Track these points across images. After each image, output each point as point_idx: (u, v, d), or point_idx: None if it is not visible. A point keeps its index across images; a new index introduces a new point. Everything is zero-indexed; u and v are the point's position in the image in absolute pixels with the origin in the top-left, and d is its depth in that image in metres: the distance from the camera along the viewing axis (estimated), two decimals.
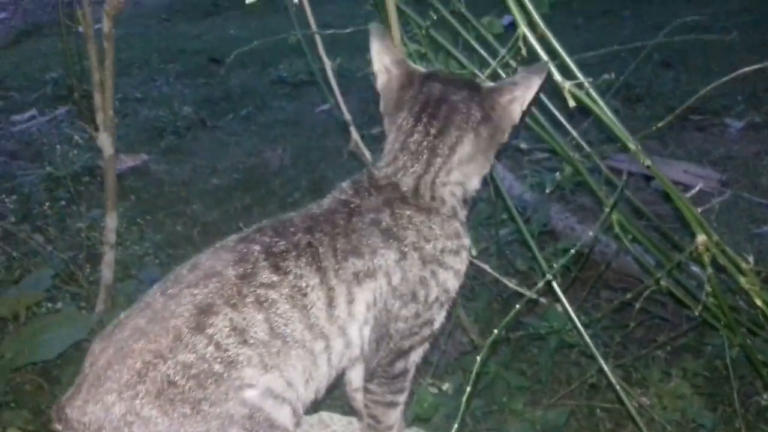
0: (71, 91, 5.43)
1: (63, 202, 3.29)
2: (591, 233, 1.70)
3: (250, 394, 1.34)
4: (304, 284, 1.39)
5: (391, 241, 1.45)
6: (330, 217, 1.47)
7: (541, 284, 1.71)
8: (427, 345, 1.56)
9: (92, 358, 1.34)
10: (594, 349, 1.74)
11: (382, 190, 1.50)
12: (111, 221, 2.79)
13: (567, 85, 1.50)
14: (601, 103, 1.58)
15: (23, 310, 2.70)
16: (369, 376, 1.53)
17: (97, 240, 3.04)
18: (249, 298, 1.34)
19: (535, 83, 1.50)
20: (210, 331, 1.31)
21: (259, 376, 1.34)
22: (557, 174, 2.22)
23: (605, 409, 2.33)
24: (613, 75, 1.59)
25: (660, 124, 1.75)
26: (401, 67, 1.56)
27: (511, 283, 2.19)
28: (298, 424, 1.42)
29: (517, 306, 1.55)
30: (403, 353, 1.52)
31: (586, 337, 1.75)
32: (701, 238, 1.59)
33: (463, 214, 1.55)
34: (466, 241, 1.54)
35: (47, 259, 3.04)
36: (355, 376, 1.64)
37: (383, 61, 1.57)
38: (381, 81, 1.59)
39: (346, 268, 1.42)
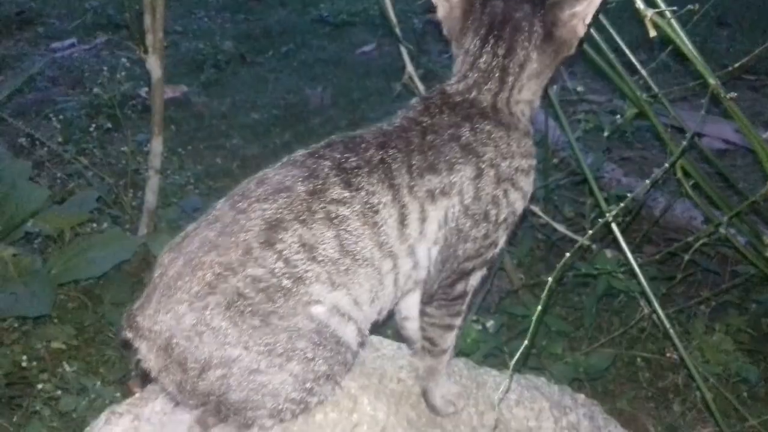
0: (110, 20, 5.45)
1: (105, 127, 3.29)
2: (647, 181, 1.64)
3: (318, 310, 1.33)
4: (376, 201, 1.37)
5: (470, 156, 1.43)
6: (403, 134, 1.44)
7: (598, 227, 1.68)
8: (485, 269, 1.55)
9: (162, 269, 1.33)
10: (648, 290, 1.72)
11: (459, 106, 1.48)
12: (156, 146, 2.80)
13: (649, 13, 1.45)
14: (683, 34, 1.53)
15: (68, 229, 2.72)
16: (428, 299, 1.52)
17: (140, 165, 3.05)
18: (319, 214, 1.33)
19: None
20: (279, 246, 1.30)
21: (326, 292, 1.33)
22: (618, 117, 2.16)
23: (645, 359, 2.33)
24: (695, 6, 1.53)
25: (717, 78, 1.69)
26: None
27: (561, 228, 2.18)
28: (362, 344, 1.42)
29: (568, 252, 1.52)
30: (465, 275, 1.50)
31: (641, 278, 1.72)
32: None
33: (531, 133, 1.55)
34: (535, 161, 1.52)
35: (91, 181, 3.06)
36: (406, 305, 1.63)
37: None
38: (442, 10, 1.55)
39: (420, 185, 1.40)
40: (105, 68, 3.33)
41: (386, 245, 1.38)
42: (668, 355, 2.41)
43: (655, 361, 2.34)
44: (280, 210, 1.32)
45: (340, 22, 5.27)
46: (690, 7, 1.49)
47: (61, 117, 3.52)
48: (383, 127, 1.46)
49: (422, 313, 1.55)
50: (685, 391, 2.26)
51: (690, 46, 1.54)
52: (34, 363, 2.28)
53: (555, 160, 2.44)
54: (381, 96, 4.16)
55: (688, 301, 2.47)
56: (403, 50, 2.29)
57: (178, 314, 1.28)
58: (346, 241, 1.34)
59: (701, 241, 2.02)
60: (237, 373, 1.30)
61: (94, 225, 2.81)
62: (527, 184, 1.50)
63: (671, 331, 1.72)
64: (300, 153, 1.42)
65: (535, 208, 2.25)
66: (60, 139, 3.16)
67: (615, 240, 1.85)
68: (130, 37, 2.64)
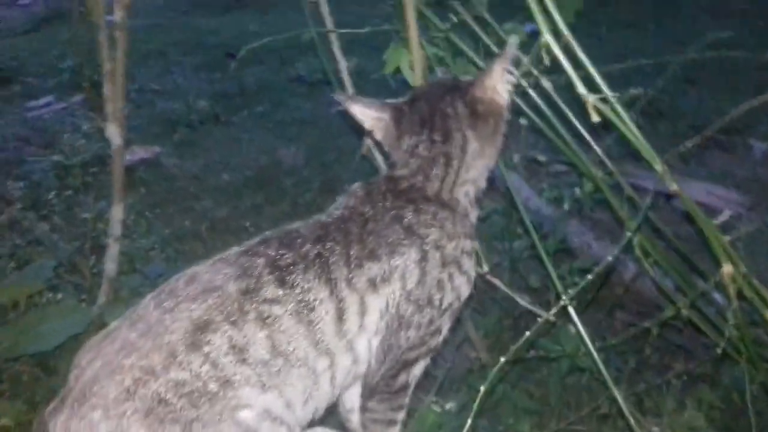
0: (89, 79, 5.46)
1: (71, 192, 3.23)
2: (610, 257, 1.61)
3: (246, 415, 1.27)
4: (311, 298, 1.33)
5: (414, 238, 1.41)
6: (342, 225, 1.42)
7: (556, 309, 1.64)
8: (428, 358, 1.50)
9: (78, 370, 1.27)
10: (608, 377, 1.66)
11: (403, 191, 1.47)
12: (117, 213, 2.74)
13: (591, 99, 1.42)
14: (627, 119, 1.50)
15: (23, 299, 2.65)
16: (369, 393, 1.46)
17: (102, 231, 2.98)
18: (251, 314, 1.28)
19: (503, 64, 1.53)
20: (207, 348, 1.25)
21: (256, 396, 1.27)
22: (576, 190, 2.13)
23: None
24: (639, 89, 1.52)
25: (688, 144, 1.67)
26: (386, 109, 1.59)
27: (524, 301, 2.12)
28: None
29: (528, 332, 1.48)
30: (407, 365, 1.46)
31: (601, 365, 1.66)
32: (727, 268, 1.50)
33: (474, 215, 1.53)
34: (476, 243, 1.53)
35: (51, 248, 2.99)
36: (350, 397, 1.56)
37: (371, 115, 1.60)
38: (379, 131, 1.60)
39: (359, 276, 1.37)
40: (76, 129, 3.28)
41: (322, 343, 1.33)
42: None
43: None
44: (209, 310, 1.27)
45: (316, 80, 5.29)
46: (634, 91, 1.47)
47: (25, 181, 3.47)
48: (322, 219, 1.44)
49: (363, 409, 1.49)
50: None
51: (634, 130, 1.51)
52: None
53: (519, 230, 2.39)
54: (353, 155, 4.13)
55: (661, 373, 2.40)
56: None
57: (93, 421, 1.21)
58: (279, 342, 1.29)
59: (667, 317, 1.97)
60: None
61: (51, 295, 2.73)
62: (471, 267, 1.49)
63: (631, 420, 1.64)
64: (233, 251, 1.37)
65: (496, 281, 2.19)
66: (20, 205, 3.09)
67: (582, 312, 1.80)
68: (90, 105, 2.61)
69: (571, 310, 1.69)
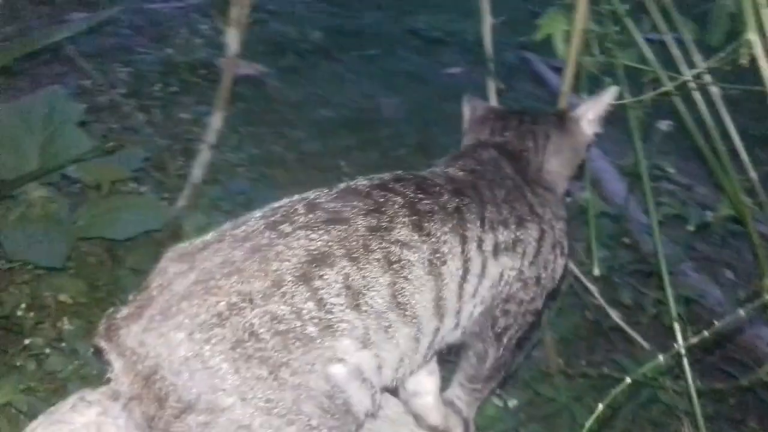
0: None
1: (175, 89, 3.19)
2: (741, 312, 1.44)
3: (338, 371, 1.14)
4: (446, 250, 1.22)
5: (534, 216, 1.39)
6: (473, 184, 1.35)
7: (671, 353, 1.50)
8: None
9: (163, 278, 1.14)
10: (701, 421, 1.51)
11: (514, 156, 1.50)
12: (216, 121, 2.68)
13: None
14: None
15: (107, 183, 2.62)
16: (473, 380, 1.46)
17: (196, 136, 2.94)
18: (376, 254, 1.15)
19: (596, 108, 1.61)
20: (317, 283, 1.11)
21: (354, 350, 1.14)
22: (708, 212, 1.94)
23: None
24: None
25: None
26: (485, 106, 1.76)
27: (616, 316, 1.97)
28: (371, 415, 1.22)
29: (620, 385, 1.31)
30: (516, 347, 1.43)
31: (697, 409, 1.51)
32: None
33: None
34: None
35: (144, 139, 2.96)
36: (416, 380, 1.46)
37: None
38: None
39: (489, 239, 1.30)
40: (190, 29, 3.23)
41: (443, 301, 1.22)
42: None
43: None
44: (331, 243, 1.14)
45: (433, 38, 5.12)
46: None
47: (131, 69, 3.45)
48: (449, 173, 1.36)
49: (458, 396, 1.48)
50: None
51: None
52: (32, 313, 2.17)
53: (626, 240, 2.22)
54: (456, 122, 3.99)
55: (731, 426, 2.23)
56: (491, 83, 2.12)
57: (173, 342, 1.08)
58: (402, 291, 1.16)
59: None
60: (223, 425, 1.09)
61: (134, 185, 2.71)
62: (566, 247, 1.48)
63: None
64: (364, 182, 1.25)
65: (592, 287, 2.04)
66: (122, 91, 3.07)
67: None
68: (214, 5, 2.54)
69: (685, 364, 1.54)
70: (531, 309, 1.41)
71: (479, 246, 1.28)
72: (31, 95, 2.42)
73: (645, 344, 1.99)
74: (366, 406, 1.19)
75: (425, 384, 1.47)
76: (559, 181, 1.56)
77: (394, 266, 1.16)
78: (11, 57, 2.27)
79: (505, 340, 1.39)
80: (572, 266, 2.06)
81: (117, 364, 1.12)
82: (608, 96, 1.62)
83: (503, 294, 1.35)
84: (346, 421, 1.16)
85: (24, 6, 4.20)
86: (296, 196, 1.23)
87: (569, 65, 1.80)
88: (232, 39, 2.58)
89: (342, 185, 1.25)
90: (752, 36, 1.21)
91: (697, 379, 2.11)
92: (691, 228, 1.98)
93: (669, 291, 1.69)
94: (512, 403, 1.91)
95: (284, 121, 3.80)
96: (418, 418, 1.50)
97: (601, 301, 2.04)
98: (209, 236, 1.18)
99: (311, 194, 1.22)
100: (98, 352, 1.14)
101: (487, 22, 2.05)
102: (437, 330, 1.25)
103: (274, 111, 3.87)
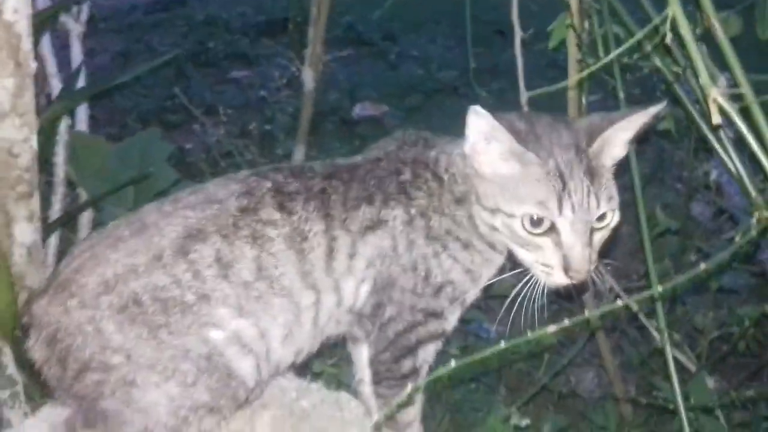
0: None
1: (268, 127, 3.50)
2: None
3: (215, 335, 1.27)
4: (307, 228, 1.31)
5: (402, 196, 1.36)
6: (354, 167, 1.41)
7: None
8: (438, 343, 1.38)
9: (69, 259, 1.34)
10: None
11: (412, 148, 1.47)
12: (299, 154, 2.88)
13: (714, 92, 1.10)
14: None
15: None
16: (377, 377, 1.38)
17: None
18: (244, 231, 1.28)
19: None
20: (193, 256, 1.26)
21: (230, 318, 1.27)
22: None
23: None
24: None
25: None
26: None
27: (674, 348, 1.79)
28: (263, 383, 1.35)
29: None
30: (410, 350, 1.37)
31: None
32: None
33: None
34: (481, 244, 1.39)
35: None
36: (361, 365, 1.48)
37: None
38: None
39: (354, 218, 1.34)
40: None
41: (309, 276, 1.31)
42: None
43: None
44: (204, 220, 1.28)
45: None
46: None
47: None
48: (339, 161, 1.44)
49: (376, 394, 1.44)
50: None
51: None
52: None
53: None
54: None
55: None
56: None
57: (68, 308, 1.27)
58: (266, 264, 1.28)
59: None
60: (113, 382, 1.26)
61: None
62: (465, 256, 1.37)
63: None
64: (245, 171, 1.38)
65: (635, 307, 1.87)
66: (224, 129, 3.40)
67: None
68: (290, 46, 2.76)
69: None
70: (420, 306, 1.35)
71: (343, 225, 1.33)
72: (131, 137, 2.77)
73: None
74: (249, 371, 1.30)
75: (366, 372, 1.49)
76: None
77: (258, 242, 1.28)
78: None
79: (390, 333, 1.36)
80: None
81: (32, 334, 1.32)
82: (652, 110, 1.36)
83: (384, 276, 1.34)
84: (228, 383, 1.28)
85: (189, 68, 4.77)
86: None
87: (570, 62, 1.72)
88: (308, 77, 2.78)
89: (229, 174, 1.41)
90: None
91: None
92: None
93: None
94: (524, 423, 1.78)
95: None
96: (367, 407, 1.53)
97: (649, 326, 1.86)
98: (109, 225, 1.35)
99: (203, 184, 1.39)
100: (24, 330, 1.33)
101: None
102: (316, 303, 1.32)
103: None
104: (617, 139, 1.34)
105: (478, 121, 1.32)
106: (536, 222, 1.28)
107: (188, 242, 1.27)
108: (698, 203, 2.67)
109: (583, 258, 1.26)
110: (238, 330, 1.28)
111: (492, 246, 1.39)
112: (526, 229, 1.28)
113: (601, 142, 1.33)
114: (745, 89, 1.19)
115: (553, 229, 1.27)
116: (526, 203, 1.28)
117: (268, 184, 1.34)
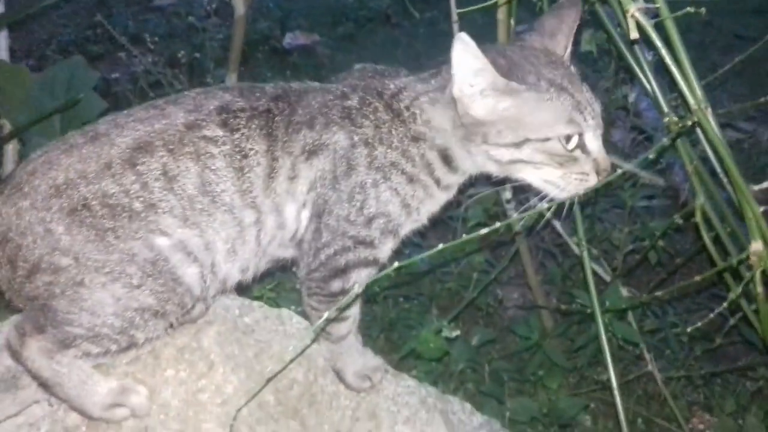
0: None
1: (197, 54, 3.44)
2: None
3: (161, 242, 1.32)
4: (248, 147, 1.34)
5: (346, 121, 1.37)
6: (302, 92, 1.41)
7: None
8: (370, 270, 1.41)
9: (26, 162, 1.36)
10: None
11: (367, 79, 1.44)
12: (230, 82, 2.84)
13: (632, 8, 1.16)
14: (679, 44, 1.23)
15: None
16: (307, 289, 1.44)
17: None
18: (188, 147, 1.32)
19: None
20: (140, 168, 1.30)
21: (176, 227, 1.32)
22: None
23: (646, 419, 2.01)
24: None
25: None
26: None
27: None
28: (208, 292, 1.39)
29: None
30: (340, 272, 1.40)
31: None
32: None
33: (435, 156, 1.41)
34: (429, 179, 1.41)
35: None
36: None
37: None
38: None
39: (295, 141, 1.36)
40: None
41: (249, 194, 1.35)
42: (691, 426, 2.06)
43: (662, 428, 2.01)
44: (152, 134, 1.32)
45: None
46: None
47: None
48: (292, 85, 1.43)
49: (307, 305, 1.48)
50: None
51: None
52: None
53: None
54: None
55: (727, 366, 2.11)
56: None
57: (20, 209, 1.29)
58: (208, 180, 1.32)
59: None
60: (62, 283, 1.29)
61: None
62: (408, 189, 1.39)
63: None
64: (198, 89, 1.40)
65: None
66: (151, 59, 3.32)
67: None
68: None
69: None
70: (351, 233, 1.38)
71: (284, 147, 1.36)
72: (54, 65, 2.68)
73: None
74: (194, 278, 1.35)
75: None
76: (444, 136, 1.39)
77: (202, 158, 1.32)
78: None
79: (322, 256, 1.40)
80: None
81: None
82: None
83: (321, 201, 1.38)
84: (174, 289, 1.33)
85: None
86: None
87: None
88: (238, 2, 2.71)
89: (184, 92, 1.40)
90: None
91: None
92: None
93: None
94: (455, 334, 1.89)
95: None
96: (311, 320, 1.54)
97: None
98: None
99: (162, 100, 1.39)
100: None
101: None
102: (258, 222, 1.37)
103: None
104: (570, 41, 1.42)
105: (466, 55, 1.27)
106: (568, 138, 1.32)
107: (137, 154, 1.30)
108: (618, 130, 2.80)
109: (606, 156, 1.36)
110: (183, 239, 1.32)
111: (442, 184, 1.41)
112: (564, 147, 1.32)
113: (568, 50, 1.41)
114: (661, 4, 1.27)
115: (581, 139, 1.33)
116: (558, 124, 1.32)
117: (216, 102, 1.35)
